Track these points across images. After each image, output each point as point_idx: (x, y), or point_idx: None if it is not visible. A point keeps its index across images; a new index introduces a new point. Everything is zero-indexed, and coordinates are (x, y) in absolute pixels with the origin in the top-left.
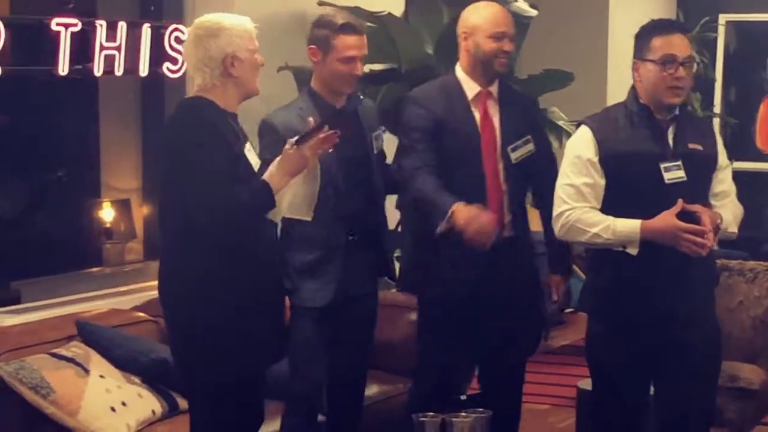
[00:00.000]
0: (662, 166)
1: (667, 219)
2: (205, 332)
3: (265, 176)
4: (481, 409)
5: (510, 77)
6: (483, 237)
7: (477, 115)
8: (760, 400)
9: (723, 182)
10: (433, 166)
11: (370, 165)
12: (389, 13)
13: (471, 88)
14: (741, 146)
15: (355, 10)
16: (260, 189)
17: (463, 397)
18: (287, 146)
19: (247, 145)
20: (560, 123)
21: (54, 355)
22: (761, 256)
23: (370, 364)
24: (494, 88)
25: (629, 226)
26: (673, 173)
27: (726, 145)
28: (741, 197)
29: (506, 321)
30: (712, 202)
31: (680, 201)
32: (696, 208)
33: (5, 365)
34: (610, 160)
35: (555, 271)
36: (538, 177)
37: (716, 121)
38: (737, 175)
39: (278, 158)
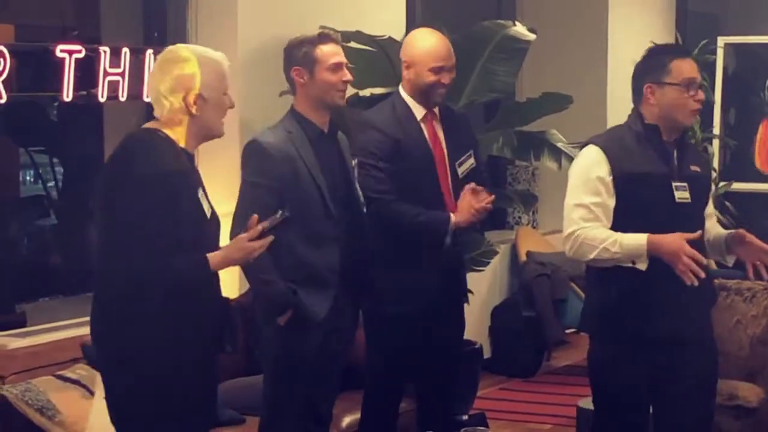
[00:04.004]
0: (674, 185)
1: (676, 238)
2: (139, 397)
3: (211, 255)
4: (481, 428)
5: (509, 101)
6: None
7: (427, 136)
8: (758, 418)
9: (710, 204)
10: (395, 191)
11: (354, 191)
12: (390, 37)
13: (418, 110)
14: (740, 167)
15: (356, 35)
16: (198, 265)
17: (465, 417)
18: (248, 233)
19: (200, 192)
20: (559, 145)
21: (59, 377)
22: (759, 276)
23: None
24: (436, 109)
25: (636, 239)
26: (681, 193)
27: (725, 167)
28: (740, 217)
29: (444, 330)
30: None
31: (699, 232)
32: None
33: (11, 388)
34: (623, 180)
35: None
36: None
37: (715, 143)
38: (737, 196)
39: (230, 245)
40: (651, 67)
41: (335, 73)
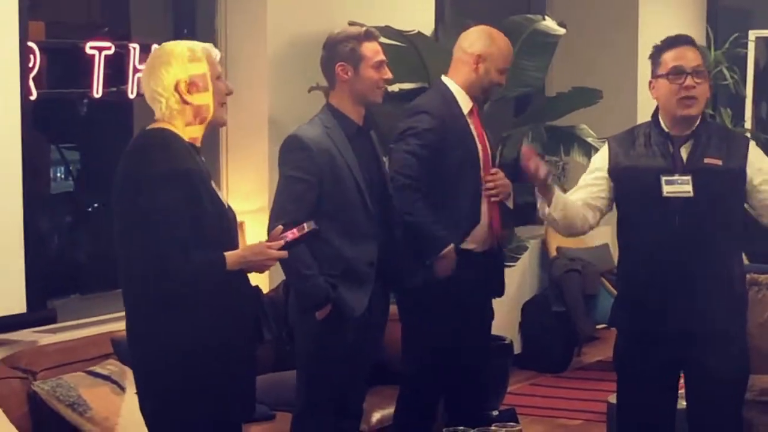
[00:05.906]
0: (663, 179)
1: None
2: (180, 395)
3: (229, 254)
4: (511, 423)
5: (539, 95)
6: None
7: (473, 129)
8: None
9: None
10: (424, 182)
11: (386, 185)
12: (419, 32)
13: (465, 102)
14: None
15: (385, 30)
16: (215, 264)
17: (495, 413)
18: (271, 241)
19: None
20: (589, 140)
21: (90, 372)
22: None
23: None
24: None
25: None
26: (677, 187)
27: None
28: None
29: (480, 325)
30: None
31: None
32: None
33: (42, 384)
34: (616, 174)
35: None
36: None
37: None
38: None
39: (249, 247)
40: (652, 63)
41: (378, 70)
